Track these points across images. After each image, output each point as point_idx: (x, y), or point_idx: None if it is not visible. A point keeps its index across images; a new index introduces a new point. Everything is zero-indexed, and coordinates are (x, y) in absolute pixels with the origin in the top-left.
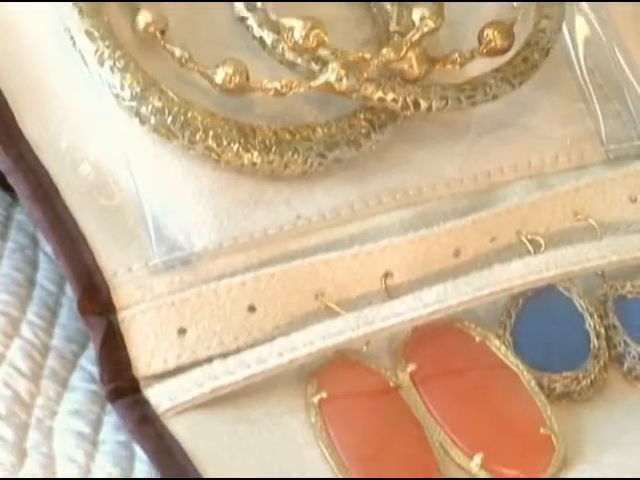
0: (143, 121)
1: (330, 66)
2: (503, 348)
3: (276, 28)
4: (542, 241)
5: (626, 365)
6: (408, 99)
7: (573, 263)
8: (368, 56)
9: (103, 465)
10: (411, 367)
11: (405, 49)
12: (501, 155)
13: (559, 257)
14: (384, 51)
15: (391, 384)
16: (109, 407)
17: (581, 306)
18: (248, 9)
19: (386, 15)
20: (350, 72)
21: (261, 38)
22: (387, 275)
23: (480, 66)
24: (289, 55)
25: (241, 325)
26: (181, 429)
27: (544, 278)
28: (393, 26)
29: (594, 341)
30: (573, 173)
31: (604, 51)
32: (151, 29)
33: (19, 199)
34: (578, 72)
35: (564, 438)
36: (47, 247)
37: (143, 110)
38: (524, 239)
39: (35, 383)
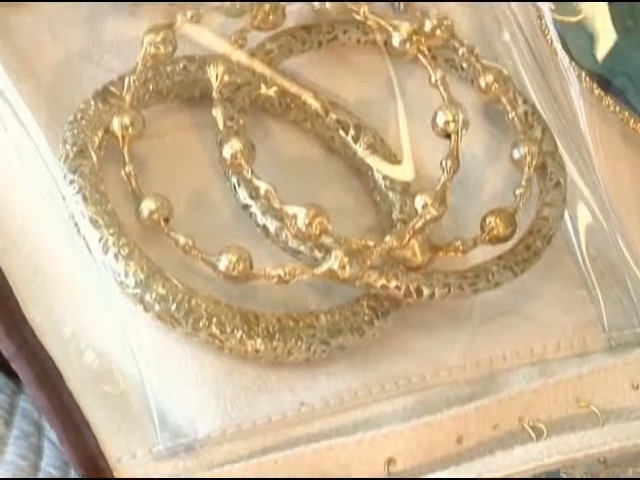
0: (147, 308)
1: (333, 254)
2: None
3: (279, 216)
4: (544, 428)
5: None
6: (411, 287)
7: (575, 450)
8: (371, 244)
9: None
10: None
11: (408, 237)
12: (503, 342)
13: (561, 444)
14: (387, 239)
15: None
16: None
17: None
18: (251, 197)
19: (389, 203)
20: (353, 260)
21: (264, 226)
22: (390, 461)
23: (482, 253)
24: (292, 243)
25: None
26: None
27: (546, 464)
28: (396, 214)
29: None
30: (575, 360)
31: (606, 238)
32: (155, 217)
33: (23, 385)
34: (580, 259)
35: None
36: (51, 434)
37: (147, 297)
38: (526, 426)
39: None
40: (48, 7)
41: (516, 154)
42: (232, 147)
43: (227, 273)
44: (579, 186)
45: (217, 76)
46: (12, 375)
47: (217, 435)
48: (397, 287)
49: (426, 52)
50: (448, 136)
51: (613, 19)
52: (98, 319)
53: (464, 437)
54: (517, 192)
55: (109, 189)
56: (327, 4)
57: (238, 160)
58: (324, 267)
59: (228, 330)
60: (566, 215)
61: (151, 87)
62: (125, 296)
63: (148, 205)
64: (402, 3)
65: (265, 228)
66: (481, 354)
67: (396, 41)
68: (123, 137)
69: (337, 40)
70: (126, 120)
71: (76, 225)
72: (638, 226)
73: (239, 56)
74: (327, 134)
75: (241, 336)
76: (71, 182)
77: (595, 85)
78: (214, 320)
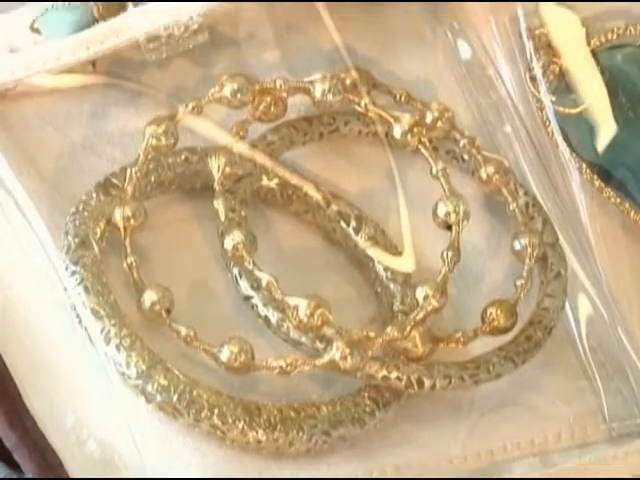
0: (149, 399)
1: (334, 345)
2: None
3: (281, 307)
4: None
5: None
6: (412, 378)
7: None
8: (372, 335)
9: None
10: None
11: (409, 328)
12: (504, 433)
13: None
14: (388, 330)
15: None
16: None
17: None
18: (253, 288)
19: (390, 294)
20: (354, 351)
21: (266, 317)
22: None
23: (483, 344)
24: (294, 334)
25: None
26: None
27: None
28: (397, 305)
29: None
30: (576, 451)
31: (606, 329)
32: (157, 308)
33: (25, 476)
34: (580, 350)
35: None
36: None
37: (149, 388)
38: None
39: None
40: (51, 99)
41: (517, 245)
42: (234, 238)
43: (229, 364)
44: (580, 277)
45: (218, 167)
46: (14, 466)
47: None
48: (398, 378)
49: (427, 143)
50: (449, 227)
51: (614, 111)
52: (100, 410)
53: None
54: (518, 283)
55: (111, 279)
56: (329, 96)
57: (239, 251)
58: (325, 358)
59: (230, 421)
60: (567, 306)
61: (153, 178)
62: (127, 387)
63: (150, 296)
64: (403, 96)
65: (267, 319)
66: (482, 445)
67: (397, 132)
68: (125, 228)
69: (338, 131)
70: (128, 211)
71: (78, 316)
72: (639, 317)
73: (240, 147)
74: (328, 226)
75: (243, 427)
76: (73, 273)
77: (596, 177)
78: (216, 411)
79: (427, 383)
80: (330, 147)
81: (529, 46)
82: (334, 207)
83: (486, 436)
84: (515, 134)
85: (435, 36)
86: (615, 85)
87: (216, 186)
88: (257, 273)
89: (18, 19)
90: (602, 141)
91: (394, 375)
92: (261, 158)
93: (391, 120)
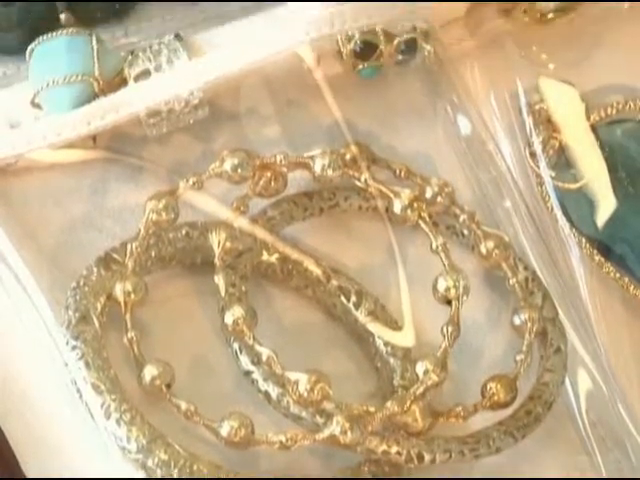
0: (149, 474)
1: (334, 419)
2: None
3: (281, 382)
4: None
5: None
6: (412, 452)
7: None
8: (372, 409)
9: None
10: None
11: (409, 402)
12: None
13: None
14: (388, 404)
15: None
16: None
17: None
18: (253, 363)
19: (390, 369)
20: (354, 425)
21: (266, 392)
22: None
23: (483, 419)
24: (294, 408)
25: None
26: None
27: None
28: (397, 380)
29: None
30: None
31: (606, 404)
32: (157, 383)
33: None
34: (580, 425)
35: None
36: None
37: (149, 463)
38: None
39: None
40: (52, 174)
41: (517, 320)
42: (234, 313)
43: (229, 439)
44: (580, 352)
45: (219, 242)
46: None
47: None
48: (398, 452)
49: (427, 219)
50: (449, 302)
51: (613, 186)
52: None
53: None
54: (518, 358)
55: (111, 354)
56: (329, 171)
57: (240, 326)
58: (326, 433)
59: None
60: (567, 380)
61: (153, 253)
62: (127, 461)
63: (150, 371)
64: (403, 171)
65: (267, 394)
66: None
67: (397, 208)
68: (125, 303)
69: (338, 207)
70: (128, 286)
71: (78, 391)
72: (638, 392)
73: (241, 222)
74: (328, 300)
75: None
76: (73, 348)
77: (595, 251)
78: None
79: (427, 457)
80: (330, 222)
81: (529, 121)
82: (334, 282)
83: None
84: (515, 209)
85: (435, 111)
86: (615, 160)
87: (216, 261)
88: (257, 348)
89: (19, 94)
90: (602, 216)
91: (394, 449)
92: (261, 233)
93: (391, 195)
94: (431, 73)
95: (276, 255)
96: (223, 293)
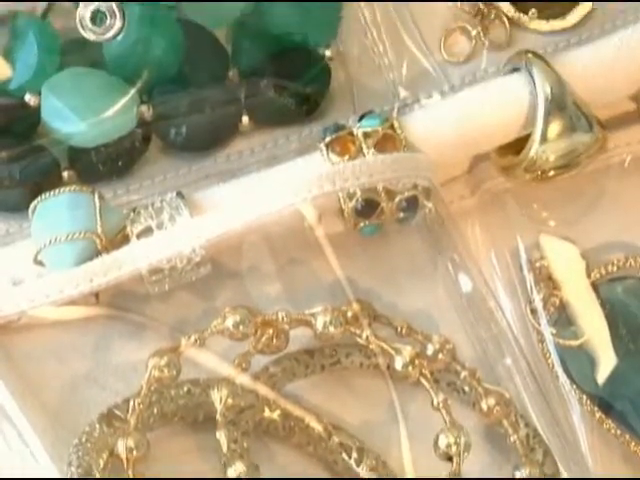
0: None
1: None
2: None
3: None
4: None
5: None
6: None
7: None
8: None
9: None
10: None
11: None
12: None
13: None
14: None
15: None
16: None
17: None
18: None
19: None
20: None
21: None
22: None
23: None
24: None
25: None
26: None
27: None
28: None
29: None
30: None
31: None
32: None
33: None
34: None
35: None
36: None
37: None
38: None
39: None
40: (54, 331)
41: (517, 476)
42: (236, 469)
43: None
44: None
45: (221, 399)
46: None
47: None
48: None
49: (428, 375)
50: (450, 459)
51: (614, 343)
52: None
53: None
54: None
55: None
56: (330, 328)
57: None
58: None
59: None
60: None
61: (155, 410)
62: None
63: None
64: (404, 328)
65: None
66: None
67: (399, 364)
68: (128, 460)
69: (340, 364)
70: (131, 443)
71: None
72: None
73: (243, 379)
74: (330, 457)
75: None
76: None
77: (596, 408)
78: None
79: None
80: (332, 379)
81: (529, 278)
82: (336, 439)
83: None
84: (516, 366)
85: (436, 268)
86: (615, 317)
87: (218, 417)
88: None
89: (22, 251)
90: (602, 373)
91: None
92: (263, 390)
93: (392, 352)
94: (432, 230)
95: (278, 412)
96: (225, 449)
